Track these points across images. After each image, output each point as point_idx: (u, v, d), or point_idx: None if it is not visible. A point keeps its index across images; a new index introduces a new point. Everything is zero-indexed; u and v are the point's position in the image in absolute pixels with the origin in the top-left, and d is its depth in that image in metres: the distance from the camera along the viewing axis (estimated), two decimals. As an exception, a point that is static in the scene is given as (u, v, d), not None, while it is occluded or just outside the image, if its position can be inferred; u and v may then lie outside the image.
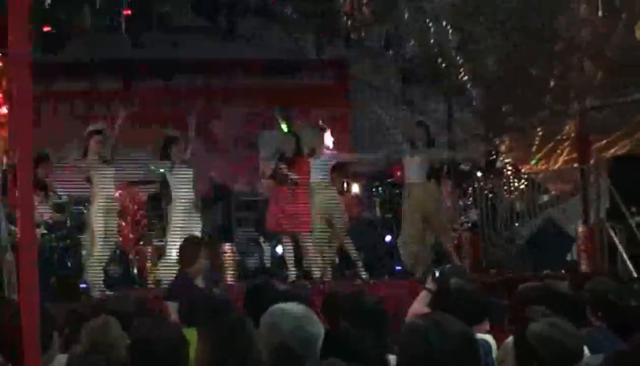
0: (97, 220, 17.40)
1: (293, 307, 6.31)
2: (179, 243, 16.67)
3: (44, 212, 17.50)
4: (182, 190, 18.01)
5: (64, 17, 16.94)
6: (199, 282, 14.02)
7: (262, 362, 5.80)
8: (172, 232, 18.03)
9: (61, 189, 18.96)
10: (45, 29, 16.81)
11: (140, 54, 20.98)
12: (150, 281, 18.64)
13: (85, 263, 17.89)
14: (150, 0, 17.69)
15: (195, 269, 14.00)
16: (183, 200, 17.99)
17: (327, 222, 18.58)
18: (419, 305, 9.96)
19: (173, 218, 18.10)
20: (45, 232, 17.35)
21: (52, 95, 22.41)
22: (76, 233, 18.33)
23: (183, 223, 17.93)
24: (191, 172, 18.07)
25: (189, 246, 14.52)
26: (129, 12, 17.72)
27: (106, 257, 17.92)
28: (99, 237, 17.45)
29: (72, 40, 17.43)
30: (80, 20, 18.34)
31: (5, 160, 18.29)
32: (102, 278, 17.74)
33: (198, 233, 17.92)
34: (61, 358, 7.01)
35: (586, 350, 6.70)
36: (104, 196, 17.48)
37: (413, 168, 18.91)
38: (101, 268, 17.76)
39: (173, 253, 17.46)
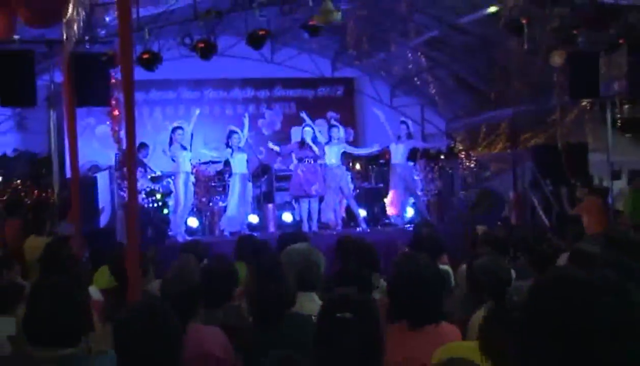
0: (179, 188, 17.57)
1: (301, 246, 6.64)
2: (236, 204, 16.92)
3: (143, 182, 17.57)
4: (239, 167, 18.15)
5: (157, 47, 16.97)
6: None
7: (289, 284, 5.85)
8: (231, 195, 18.21)
9: (155, 167, 19.00)
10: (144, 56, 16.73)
11: (209, 73, 20.96)
12: (216, 231, 18.70)
13: (171, 218, 18.02)
14: (216, 36, 17.70)
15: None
16: (239, 174, 18.12)
17: (340, 189, 18.76)
18: (403, 248, 10.13)
19: (232, 186, 18.23)
20: (144, 196, 17.41)
21: (149, 102, 22.42)
22: (165, 198, 18.44)
23: (239, 190, 18.10)
24: (245, 155, 18.22)
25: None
26: (203, 44, 17.72)
27: (186, 214, 18.08)
28: (181, 200, 17.61)
29: (163, 63, 17.39)
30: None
31: (117, 146, 18.40)
32: (184, 229, 17.90)
33: (250, 198, 18.17)
34: (155, 284, 7.02)
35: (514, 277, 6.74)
36: (184, 171, 17.64)
37: (397, 154, 19.19)
38: (182, 221, 17.93)
39: (233, 211, 17.65)
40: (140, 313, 4.42)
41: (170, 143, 17.85)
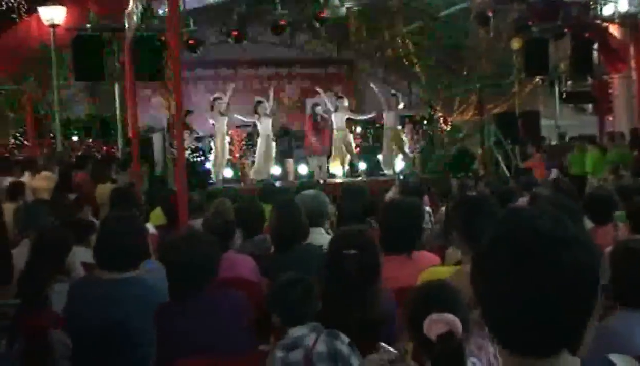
0: (218, 146, 17.61)
1: (312, 191, 6.75)
2: (262, 159, 16.88)
3: (189, 141, 17.55)
4: (265, 129, 18.16)
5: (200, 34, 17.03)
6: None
7: (302, 220, 5.87)
8: (258, 152, 18.26)
9: (198, 129, 19.00)
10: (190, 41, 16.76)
11: (243, 55, 20.91)
12: (246, 180, 18.71)
13: (212, 169, 18.06)
14: (247, 26, 17.77)
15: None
16: (265, 136, 18.12)
17: (344, 147, 18.77)
18: (392, 192, 10.04)
19: (259, 145, 18.28)
20: (190, 152, 17.41)
21: (194, 78, 22.36)
22: (207, 153, 18.45)
23: (265, 148, 18.18)
24: (270, 120, 18.22)
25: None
26: (236, 32, 17.75)
27: (223, 166, 18.10)
28: (219, 155, 17.65)
29: (204, 47, 17.46)
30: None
31: (168, 113, 18.37)
32: (221, 178, 17.93)
33: (273, 154, 18.29)
34: (198, 221, 7.04)
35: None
36: (222, 133, 17.69)
37: (390, 119, 19.19)
38: (220, 172, 17.94)
39: (260, 164, 17.64)
40: (185, 238, 4.47)
41: (211, 110, 17.94)
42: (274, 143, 18.62)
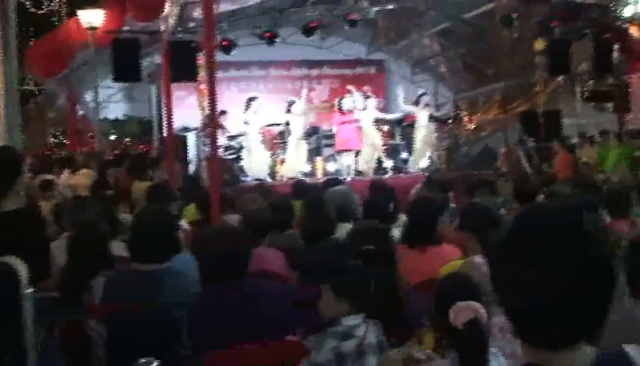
0: (251, 144, 17.65)
1: (340, 188, 6.84)
2: (292, 157, 17.27)
3: (222, 140, 17.58)
4: (296, 128, 18.21)
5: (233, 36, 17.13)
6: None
7: (329, 216, 5.89)
8: (289, 150, 18.36)
9: (231, 128, 18.99)
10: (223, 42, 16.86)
11: (274, 56, 20.96)
12: (277, 177, 18.70)
13: (244, 166, 18.11)
14: (279, 27, 17.91)
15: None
16: (296, 134, 18.18)
17: (372, 145, 18.78)
18: (416, 188, 10.04)
19: (290, 143, 18.34)
20: (223, 150, 17.44)
21: (228, 79, 22.36)
22: (240, 151, 18.45)
23: (296, 146, 18.27)
24: (302, 119, 18.24)
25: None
26: (268, 34, 17.87)
27: (257, 164, 18.17)
28: (253, 153, 17.73)
29: (238, 48, 17.59)
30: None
31: (202, 112, 18.43)
32: (254, 176, 18.02)
33: (305, 151, 18.55)
34: (233, 217, 7.06)
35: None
36: (254, 131, 17.70)
37: (421, 118, 19.24)
38: (254, 169, 18.05)
39: (291, 162, 17.70)
40: (217, 232, 4.52)
41: (247, 109, 17.91)
42: (304, 142, 18.63)
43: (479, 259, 4.73)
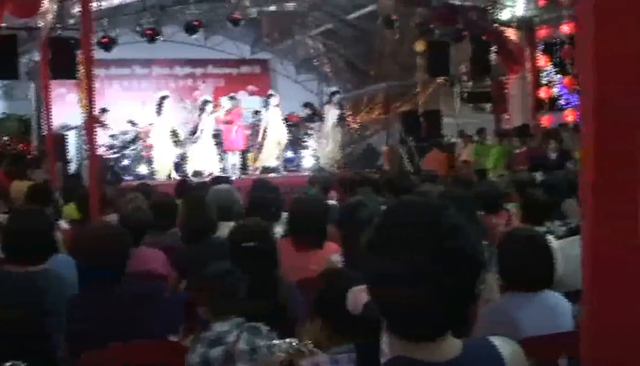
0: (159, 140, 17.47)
1: (223, 186, 7.28)
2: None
3: (103, 138, 17.23)
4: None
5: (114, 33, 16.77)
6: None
7: (210, 214, 5.90)
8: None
9: (114, 127, 18.53)
10: (103, 40, 16.51)
11: (156, 54, 20.79)
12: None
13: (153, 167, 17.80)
14: (161, 25, 17.70)
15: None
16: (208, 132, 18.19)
17: (278, 143, 19.02)
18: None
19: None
20: (105, 149, 17.08)
21: (109, 76, 21.87)
22: (123, 150, 18.08)
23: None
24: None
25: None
26: (150, 31, 17.61)
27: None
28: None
29: (119, 46, 17.29)
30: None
31: (83, 110, 18.02)
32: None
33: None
34: (113, 216, 6.91)
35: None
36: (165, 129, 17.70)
37: (330, 116, 19.70)
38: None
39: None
40: (94, 231, 4.49)
41: (159, 107, 17.68)
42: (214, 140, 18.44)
43: (336, 257, 4.95)
